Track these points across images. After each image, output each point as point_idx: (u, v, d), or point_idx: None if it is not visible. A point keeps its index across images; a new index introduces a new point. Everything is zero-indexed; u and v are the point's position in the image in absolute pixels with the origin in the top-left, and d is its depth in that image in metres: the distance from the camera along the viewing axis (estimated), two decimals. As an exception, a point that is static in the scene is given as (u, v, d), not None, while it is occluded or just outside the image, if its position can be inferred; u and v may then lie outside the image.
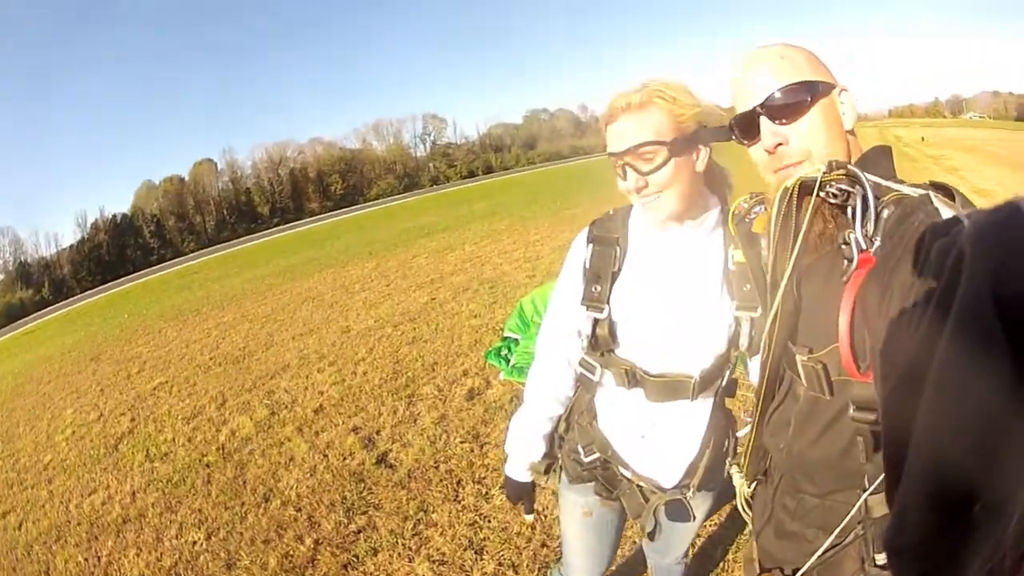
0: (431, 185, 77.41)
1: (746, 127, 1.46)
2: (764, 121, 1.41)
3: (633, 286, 1.78)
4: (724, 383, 1.88)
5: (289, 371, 7.85)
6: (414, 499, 4.17)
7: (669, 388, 1.79)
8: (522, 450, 2.09)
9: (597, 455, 1.94)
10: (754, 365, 1.82)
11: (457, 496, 4.15)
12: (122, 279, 44.57)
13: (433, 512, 3.99)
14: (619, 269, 1.80)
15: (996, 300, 0.49)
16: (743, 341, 1.76)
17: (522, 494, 2.15)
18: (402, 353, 7.57)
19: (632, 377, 1.79)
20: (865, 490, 1.30)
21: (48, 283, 69.55)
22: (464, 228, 20.14)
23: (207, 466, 5.50)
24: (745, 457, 1.71)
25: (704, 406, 1.86)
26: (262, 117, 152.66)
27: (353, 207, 63.28)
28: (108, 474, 6.10)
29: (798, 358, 1.39)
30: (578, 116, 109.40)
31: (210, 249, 49.06)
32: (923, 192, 1.14)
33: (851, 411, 1.25)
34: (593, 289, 1.79)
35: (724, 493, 2.02)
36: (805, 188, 1.29)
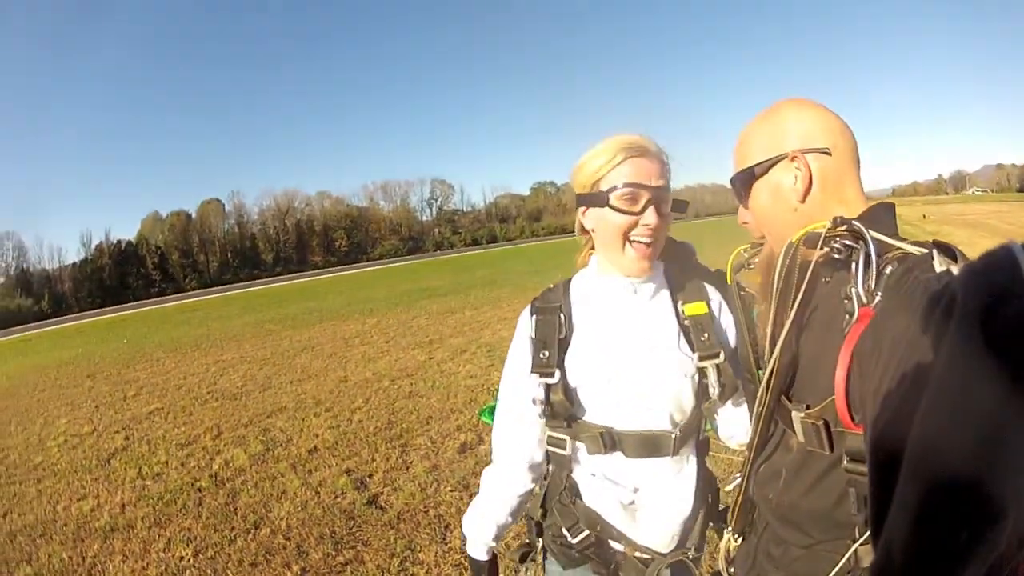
0: (435, 250, 77.84)
1: None
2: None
3: (585, 349, 1.77)
4: (700, 439, 1.86)
5: (286, 412, 7.89)
6: (402, 538, 4.20)
7: (649, 443, 1.74)
8: (477, 534, 1.97)
9: (586, 533, 1.80)
10: (724, 416, 1.89)
11: (444, 539, 4.18)
12: (122, 305, 44.42)
13: (420, 552, 4.02)
14: (566, 335, 1.79)
15: (988, 335, 0.51)
16: (713, 390, 1.76)
17: (480, 571, 2.02)
18: (398, 405, 7.62)
19: (608, 439, 1.73)
20: (855, 540, 1.29)
21: (48, 296, 69.56)
22: (465, 293, 20.30)
23: (199, 490, 5.52)
24: (733, 511, 1.69)
25: (689, 463, 1.81)
26: (273, 165, 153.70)
27: (356, 264, 63.37)
28: (99, 484, 6.12)
29: (794, 413, 1.36)
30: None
31: (211, 288, 48.87)
32: (925, 251, 1.13)
33: (845, 462, 1.24)
34: (541, 355, 1.76)
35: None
36: (810, 241, 1.32)
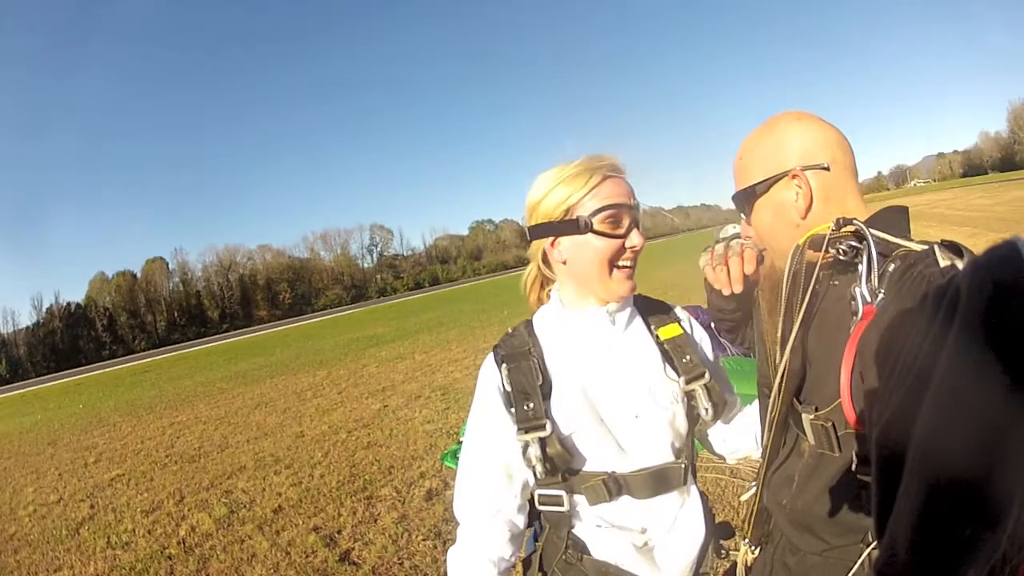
0: (378, 296, 77.42)
1: None
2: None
3: (570, 393, 1.61)
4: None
5: (246, 472, 7.76)
6: (381, 594, 4.12)
7: (658, 480, 1.61)
8: None
9: None
10: (719, 433, 1.87)
11: (424, 591, 4.11)
12: (76, 369, 43.37)
13: None
14: (546, 381, 1.62)
15: (992, 332, 0.50)
16: (705, 411, 1.66)
17: None
18: (358, 457, 7.56)
19: (613, 484, 1.59)
20: (869, 544, 1.32)
21: (5, 360, 68.29)
22: (413, 338, 20.16)
23: (169, 558, 5.40)
24: (748, 522, 1.67)
25: (692, 490, 1.70)
26: (214, 221, 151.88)
27: (301, 316, 62.76)
28: (71, 555, 5.97)
29: (804, 416, 1.37)
30: (522, 227, 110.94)
31: (161, 349, 47.93)
32: (927, 247, 1.14)
33: (855, 465, 1.19)
34: (526, 408, 1.57)
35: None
36: (814, 244, 1.33)
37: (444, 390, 10.76)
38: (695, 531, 1.68)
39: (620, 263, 1.60)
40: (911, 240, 1.24)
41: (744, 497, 1.73)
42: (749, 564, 1.70)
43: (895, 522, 0.59)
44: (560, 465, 1.56)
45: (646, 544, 1.63)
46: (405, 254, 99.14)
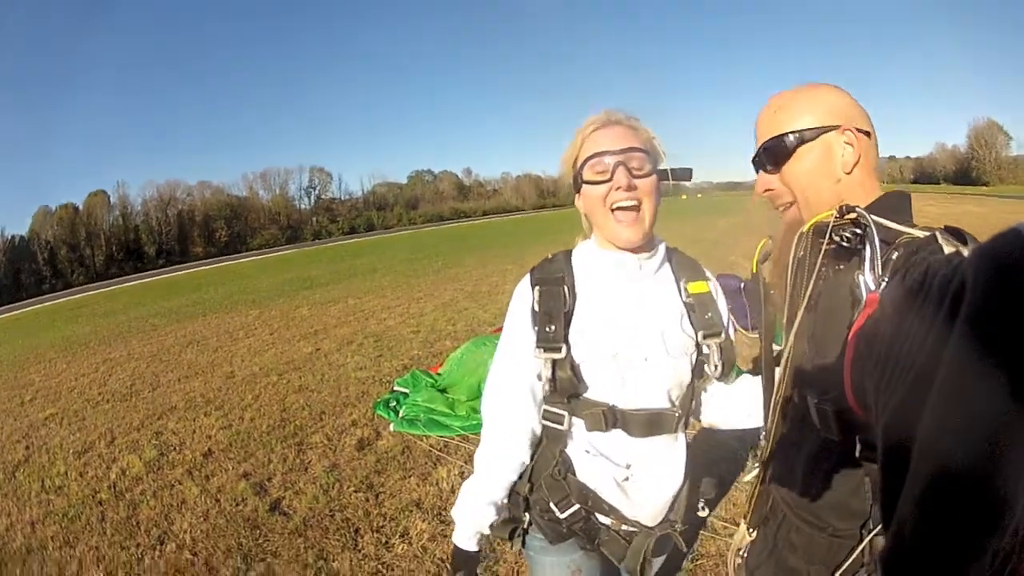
0: (313, 239, 76.13)
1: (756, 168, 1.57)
2: (758, 170, 1.54)
3: (590, 324, 1.71)
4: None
5: (176, 413, 7.51)
6: (312, 547, 4.02)
7: (653, 422, 1.71)
8: (472, 519, 1.83)
9: (576, 507, 1.75)
10: (711, 396, 1.91)
11: (356, 545, 4.02)
12: (16, 304, 41.80)
13: (333, 561, 3.84)
14: (571, 309, 1.72)
15: (998, 325, 0.49)
16: (715, 368, 1.75)
17: (467, 564, 1.87)
18: (289, 401, 7.37)
19: (611, 416, 1.69)
20: (871, 530, 1.31)
21: None
22: (347, 282, 19.91)
23: (100, 503, 5.16)
24: (750, 503, 1.66)
25: (679, 439, 1.79)
26: (157, 155, 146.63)
27: (236, 254, 61.56)
28: (8, 500, 5.66)
29: (809, 400, 1.34)
30: (461, 179, 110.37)
31: (98, 283, 46.51)
32: (929, 233, 1.15)
33: (859, 450, 1.23)
34: (547, 330, 1.68)
35: (698, 526, 1.99)
36: (819, 231, 1.32)
37: (377, 337, 10.60)
38: (674, 479, 1.79)
39: (615, 206, 1.66)
40: (914, 226, 1.25)
41: (747, 478, 1.68)
42: (745, 545, 1.71)
43: (901, 514, 0.59)
44: (566, 388, 1.68)
45: (627, 479, 1.73)
46: (343, 198, 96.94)
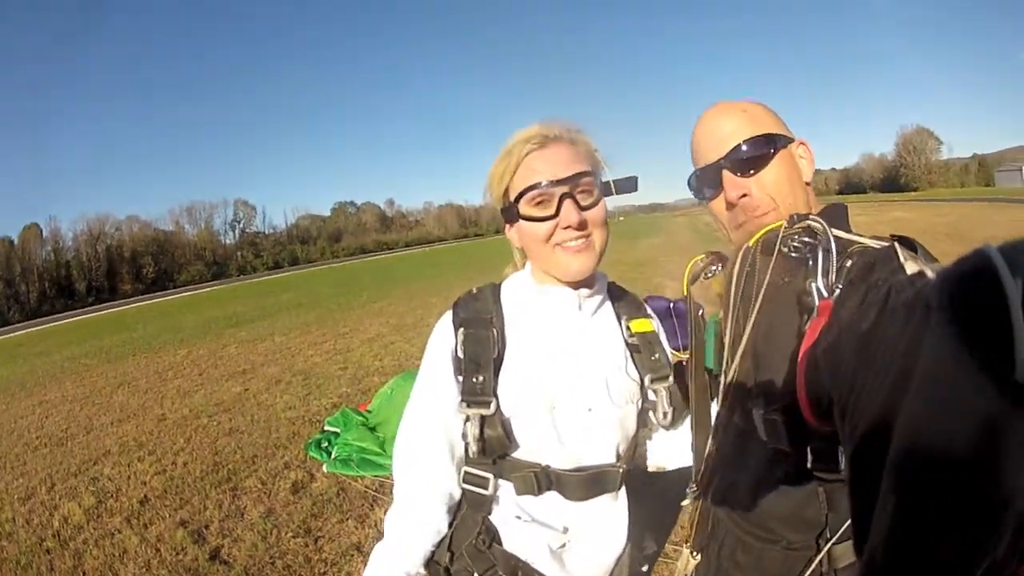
0: (238, 274, 74.75)
1: (708, 180, 1.46)
2: (727, 174, 1.41)
3: (524, 372, 1.49)
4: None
5: (111, 458, 7.36)
6: (256, 598, 3.97)
7: (593, 482, 1.50)
8: None
9: None
10: (657, 443, 1.66)
11: (300, 595, 3.98)
12: None
13: None
14: (500, 355, 1.50)
15: (966, 347, 0.49)
16: (663, 415, 1.56)
17: None
18: (220, 444, 7.30)
19: (544, 478, 1.47)
20: (828, 540, 1.28)
21: None
22: (273, 319, 19.69)
23: (48, 552, 5.05)
24: (692, 527, 1.61)
25: (621, 495, 1.56)
26: (89, 189, 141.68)
27: (163, 292, 59.86)
28: None
29: (755, 412, 1.29)
30: (384, 210, 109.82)
31: (33, 321, 44.50)
32: (886, 244, 1.11)
33: (810, 461, 1.19)
34: (474, 380, 1.45)
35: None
36: (766, 246, 1.29)
37: (305, 375, 10.56)
38: (615, 540, 1.56)
39: (562, 242, 1.46)
40: (863, 236, 1.23)
41: (685, 503, 1.58)
42: (691, 569, 1.63)
43: (876, 531, 0.59)
44: (496, 448, 1.47)
45: (563, 545, 1.51)
46: (267, 232, 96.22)
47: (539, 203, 1.44)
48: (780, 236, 1.26)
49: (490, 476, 1.50)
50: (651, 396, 1.58)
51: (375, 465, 5.84)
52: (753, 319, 1.30)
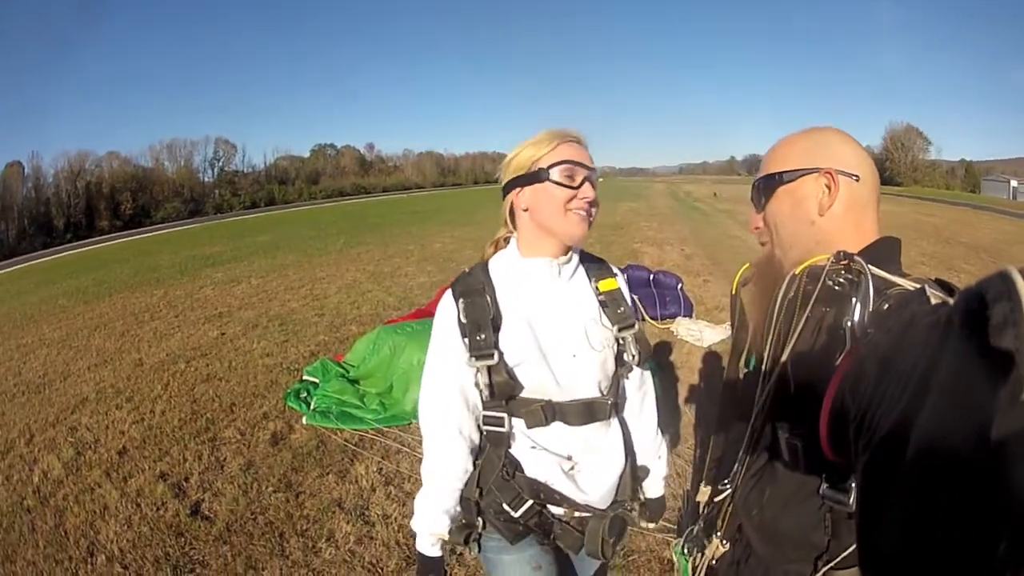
0: (215, 213, 73.33)
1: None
2: (752, 203, 1.58)
3: (517, 327, 1.79)
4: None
5: (88, 405, 7.13)
6: (239, 555, 3.93)
7: (588, 410, 1.82)
8: (429, 527, 1.90)
9: (529, 503, 1.84)
10: (634, 380, 2.03)
11: (283, 551, 3.96)
12: None
13: (263, 569, 3.78)
14: (496, 317, 1.79)
15: (984, 358, 0.49)
16: (632, 356, 1.88)
17: (433, 569, 1.97)
18: (198, 391, 7.15)
19: (549, 411, 1.79)
20: (827, 562, 1.31)
21: None
22: (249, 260, 19.34)
23: (28, 511, 4.84)
24: (723, 519, 1.67)
25: (614, 424, 1.93)
26: (70, 124, 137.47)
27: (140, 228, 58.62)
28: None
29: (780, 433, 1.35)
30: (364, 154, 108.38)
31: (11, 260, 43.38)
32: (919, 287, 1.13)
33: (823, 488, 1.24)
34: (478, 338, 1.75)
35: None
36: (812, 275, 1.32)
37: (282, 320, 10.42)
38: (615, 460, 1.93)
39: (574, 208, 1.75)
40: (906, 275, 1.25)
41: (718, 497, 1.67)
42: (717, 557, 1.73)
43: (886, 535, 0.61)
44: (504, 391, 1.76)
45: (572, 468, 1.85)
46: (246, 171, 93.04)
47: (568, 176, 1.74)
48: (826, 271, 1.28)
49: (504, 415, 1.82)
50: (622, 342, 1.90)
51: (354, 419, 5.71)
52: (793, 344, 1.33)
